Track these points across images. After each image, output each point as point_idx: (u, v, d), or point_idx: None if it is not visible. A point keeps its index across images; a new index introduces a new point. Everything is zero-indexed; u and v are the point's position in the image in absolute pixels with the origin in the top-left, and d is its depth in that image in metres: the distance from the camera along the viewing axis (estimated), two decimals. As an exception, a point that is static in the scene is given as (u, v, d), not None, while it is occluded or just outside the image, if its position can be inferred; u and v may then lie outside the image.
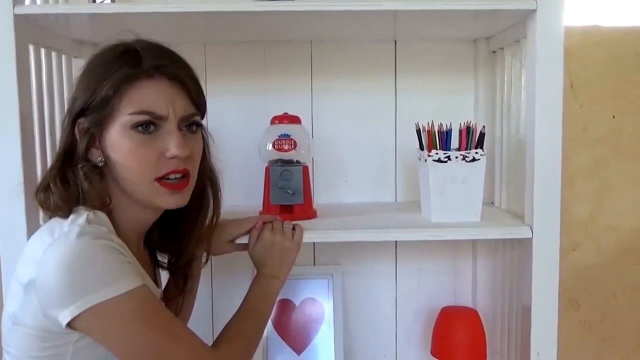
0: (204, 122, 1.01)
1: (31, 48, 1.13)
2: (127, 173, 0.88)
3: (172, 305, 1.07)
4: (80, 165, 0.87)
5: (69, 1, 1.34)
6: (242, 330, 1.00)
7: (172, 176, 0.89)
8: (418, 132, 1.21)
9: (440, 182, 1.16)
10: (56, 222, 0.84)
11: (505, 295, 1.31)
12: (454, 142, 1.19)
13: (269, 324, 1.40)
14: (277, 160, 1.23)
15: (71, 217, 0.84)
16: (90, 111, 0.87)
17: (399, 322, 1.50)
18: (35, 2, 1.22)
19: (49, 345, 0.81)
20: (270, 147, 1.22)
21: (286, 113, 1.26)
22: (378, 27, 1.32)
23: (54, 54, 1.25)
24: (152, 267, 1.05)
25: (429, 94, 1.46)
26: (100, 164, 0.89)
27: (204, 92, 0.98)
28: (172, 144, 0.88)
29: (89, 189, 0.86)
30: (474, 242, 1.46)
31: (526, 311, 1.14)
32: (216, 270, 1.48)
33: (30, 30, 1.11)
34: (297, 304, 1.41)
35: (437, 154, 1.16)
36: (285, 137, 1.21)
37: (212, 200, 1.04)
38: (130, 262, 0.83)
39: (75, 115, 0.89)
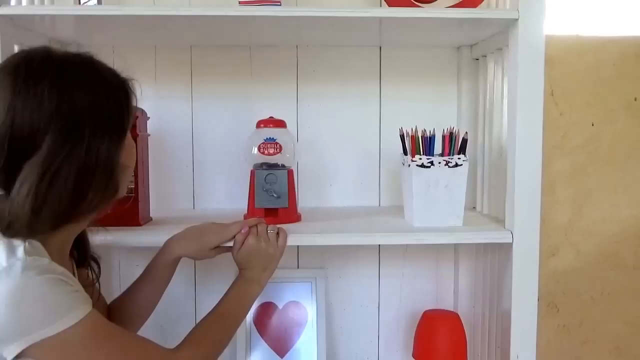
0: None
1: (16, 48, 1.13)
2: (130, 172, 0.97)
3: (93, 292, 1.00)
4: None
5: (54, 2, 1.33)
6: (211, 332, 1.00)
7: None
8: (402, 137, 1.23)
9: (423, 186, 1.18)
10: None
11: (486, 299, 1.33)
12: (437, 147, 1.21)
13: (252, 326, 1.40)
14: (262, 164, 1.23)
15: (5, 250, 0.78)
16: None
17: (381, 326, 1.51)
18: (21, 3, 1.21)
19: None
20: (255, 150, 1.23)
21: (272, 117, 1.27)
22: (363, 33, 1.34)
23: (38, 55, 1.24)
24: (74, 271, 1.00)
25: (413, 100, 1.47)
26: None
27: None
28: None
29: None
30: (456, 246, 1.47)
31: (506, 315, 1.16)
32: (199, 271, 1.48)
33: (14, 31, 1.10)
34: (280, 306, 1.42)
35: (420, 159, 1.18)
36: (271, 140, 1.22)
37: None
38: (76, 289, 0.81)
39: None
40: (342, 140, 1.47)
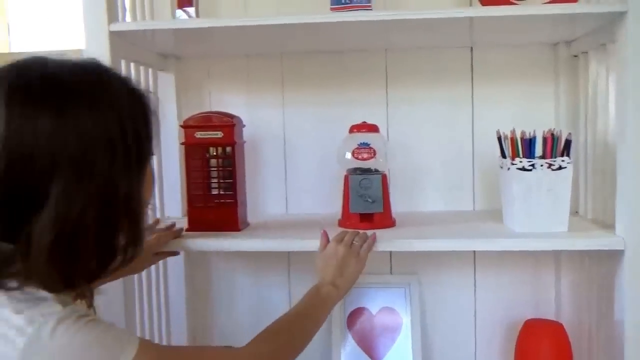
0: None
1: (122, 62, 1.19)
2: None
3: None
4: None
5: (154, 17, 1.39)
6: (279, 332, 0.95)
7: None
8: (499, 139, 1.19)
9: (525, 190, 1.13)
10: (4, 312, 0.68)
11: (593, 309, 1.26)
12: (538, 149, 1.16)
13: (346, 331, 1.40)
14: (355, 169, 1.23)
15: (28, 298, 0.68)
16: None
17: (478, 334, 1.46)
18: (125, 20, 1.27)
19: None
20: (349, 155, 1.23)
21: (365, 122, 1.26)
22: (454, 35, 1.31)
23: (141, 68, 1.31)
24: None
25: (507, 101, 1.42)
26: None
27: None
28: None
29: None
30: (556, 253, 1.41)
31: (618, 326, 1.09)
32: (293, 272, 1.50)
33: (122, 45, 1.16)
34: (374, 312, 1.41)
35: (520, 162, 1.13)
36: (365, 145, 1.21)
37: None
38: (109, 323, 0.73)
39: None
40: (434, 144, 1.44)
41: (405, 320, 1.39)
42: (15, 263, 0.68)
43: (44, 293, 0.69)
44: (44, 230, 0.66)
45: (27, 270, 0.68)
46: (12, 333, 0.65)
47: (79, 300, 0.82)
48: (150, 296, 1.35)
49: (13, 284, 0.68)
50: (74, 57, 0.75)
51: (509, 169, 1.15)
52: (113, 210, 0.72)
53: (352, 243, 1.08)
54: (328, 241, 1.10)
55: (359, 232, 1.11)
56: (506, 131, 1.18)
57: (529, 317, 1.38)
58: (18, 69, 0.71)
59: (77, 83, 0.71)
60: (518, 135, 1.16)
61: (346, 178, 1.23)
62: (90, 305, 0.90)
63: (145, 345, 0.73)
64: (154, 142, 0.80)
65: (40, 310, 0.67)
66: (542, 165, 1.13)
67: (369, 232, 1.11)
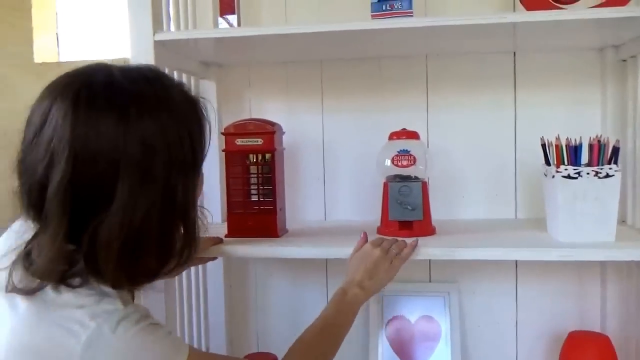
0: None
1: (166, 71, 1.21)
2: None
3: None
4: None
5: (197, 26, 1.42)
6: (313, 342, 0.96)
7: None
8: (543, 146, 1.16)
9: (570, 199, 1.11)
10: (68, 307, 0.70)
11: (641, 322, 1.22)
12: (583, 157, 1.13)
13: (384, 339, 1.39)
14: (395, 176, 1.22)
15: (94, 298, 0.71)
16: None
17: (520, 346, 1.43)
18: (169, 29, 1.30)
19: None
20: (388, 162, 1.22)
21: (404, 129, 1.26)
22: (496, 40, 1.29)
23: (184, 76, 1.33)
24: None
25: (551, 107, 1.39)
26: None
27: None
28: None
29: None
30: (602, 263, 1.36)
31: (669, 340, 1.06)
32: (330, 278, 1.49)
33: (166, 54, 1.19)
34: (412, 321, 1.39)
35: (566, 169, 1.11)
36: (404, 152, 1.21)
37: None
38: (167, 329, 0.77)
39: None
40: (474, 150, 1.42)
41: (444, 329, 1.37)
42: (78, 262, 0.71)
43: (106, 289, 0.73)
44: (112, 233, 0.70)
45: (93, 270, 0.71)
46: (76, 327, 0.68)
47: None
48: (190, 301, 1.37)
49: (76, 281, 0.71)
50: (133, 64, 0.79)
51: (553, 176, 1.12)
52: (172, 213, 0.75)
53: (389, 249, 1.08)
54: (365, 242, 1.10)
55: (397, 240, 1.10)
56: (550, 138, 1.16)
57: (573, 329, 1.34)
58: (84, 75, 0.74)
59: (139, 90, 0.74)
60: (563, 142, 1.13)
61: (385, 185, 1.22)
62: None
63: (195, 354, 0.77)
64: (207, 148, 0.83)
65: (103, 307, 0.70)
66: (588, 173, 1.10)
67: (410, 240, 1.10)
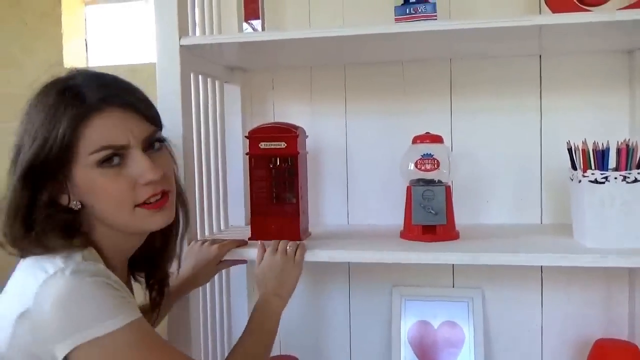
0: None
1: (192, 75, 1.23)
2: (107, 209, 0.85)
3: (148, 319, 1.01)
4: (46, 214, 0.83)
5: (221, 31, 1.43)
6: (244, 350, 1.01)
7: (152, 199, 0.87)
8: (570, 150, 1.15)
9: (597, 204, 1.09)
10: (45, 259, 0.81)
11: (671, 330, 1.19)
12: (611, 161, 1.11)
13: (407, 344, 1.38)
14: (418, 180, 1.22)
15: (63, 253, 0.81)
16: (46, 161, 0.81)
17: (545, 353, 1.41)
18: (195, 34, 1.31)
19: None
20: (411, 166, 1.21)
21: (428, 132, 1.25)
22: (522, 43, 1.27)
23: (209, 80, 1.35)
24: (131, 286, 1.02)
25: (578, 111, 1.37)
26: (76, 208, 0.85)
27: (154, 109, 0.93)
28: (143, 169, 0.84)
29: (62, 237, 0.83)
30: (631, 270, 1.34)
31: (701, 350, 1.03)
32: (353, 285, 1.49)
33: (192, 58, 1.20)
34: (435, 326, 1.38)
35: (593, 174, 1.09)
36: (428, 156, 1.20)
37: (181, 213, 1.01)
38: (126, 296, 0.82)
39: (26, 168, 0.82)
40: (499, 155, 1.41)
41: (468, 334, 1.36)
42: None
43: (78, 249, 0.84)
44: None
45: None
46: (39, 272, 0.80)
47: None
48: (214, 303, 1.38)
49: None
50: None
51: (580, 181, 1.11)
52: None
53: (286, 250, 1.11)
54: (264, 252, 1.12)
55: (288, 241, 1.13)
56: (577, 142, 1.14)
57: (600, 336, 1.32)
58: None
59: (37, 102, 0.87)
60: (590, 146, 1.11)
61: (409, 189, 1.22)
62: (156, 306, 1.03)
63: (139, 325, 0.81)
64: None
65: (67, 261, 0.81)
66: (616, 178, 1.08)
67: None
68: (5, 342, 0.79)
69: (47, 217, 0.83)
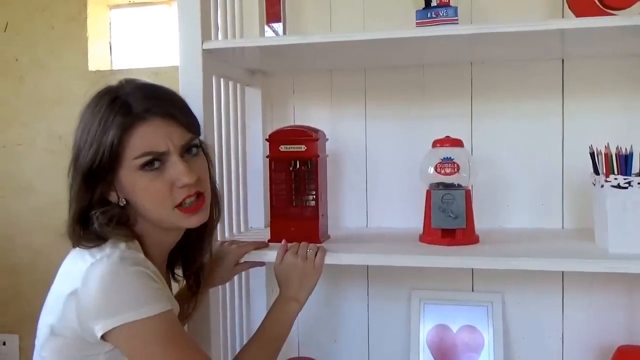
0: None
1: (213, 78, 1.25)
2: (148, 208, 0.95)
3: (184, 308, 1.11)
4: (102, 210, 0.93)
5: (243, 35, 1.45)
6: (256, 352, 1.06)
7: (187, 201, 0.95)
8: (592, 155, 1.14)
9: (620, 209, 1.08)
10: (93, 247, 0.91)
11: (696, 338, 1.17)
12: (634, 166, 1.10)
13: (426, 348, 1.38)
14: (438, 184, 1.22)
15: (110, 242, 0.91)
16: (100, 165, 0.91)
17: (566, 359, 1.39)
18: (217, 38, 1.33)
19: (82, 353, 0.90)
20: (431, 170, 1.21)
21: (448, 136, 1.25)
22: (544, 47, 1.27)
23: (230, 83, 1.36)
24: (169, 278, 1.12)
25: (601, 115, 1.36)
26: (122, 204, 0.95)
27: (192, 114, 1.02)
28: (179, 174, 0.93)
29: (114, 228, 0.93)
30: (654, 276, 1.32)
31: None
32: (372, 290, 1.50)
33: (214, 62, 1.22)
34: (454, 330, 1.38)
35: (616, 179, 1.08)
36: (448, 160, 1.20)
37: (215, 210, 1.08)
38: (161, 287, 0.91)
39: (86, 172, 0.92)
40: (520, 159, 1.40)
41: (487, 339, 1.36)
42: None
43: (122, 239, 0.93)
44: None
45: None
46: (88, 257, 0.89)
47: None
48: (233, 304, 1.39)
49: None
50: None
51: (602, 186, 1.10)
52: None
53: (307, 254, 1.12)
54: (285, 252, 1.14)
55: (308, 244, 1.14)
56: (599, 146, 1.13)
57: (622, 343, 1.31)
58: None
59: (90, 111, 0.95)
60: (613, 151, 1.10)
61: (428, 193, 1.22)
62: (193, 294, 1.12)
63: (170, 317, 0.90)
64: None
65: (113, 249, 0.90)
66: (639, 183, 1.07)
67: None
68: (57, 317, 0.89)
69: (102, 212, 0.93)
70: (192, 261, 1.10)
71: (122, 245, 0.91)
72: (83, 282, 0.87)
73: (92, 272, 0.87)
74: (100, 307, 0.85)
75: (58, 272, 0.94)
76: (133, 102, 0.92)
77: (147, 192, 0.93)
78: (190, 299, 1.12)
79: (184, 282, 1.13)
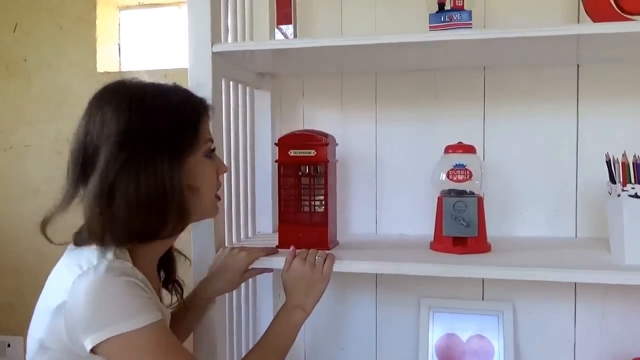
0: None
1: (223, 81, 1.23)
2: (207, 194, 0.99)
3: (180, 319, 1.11)
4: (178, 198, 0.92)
5: (253, 38, 1.43)
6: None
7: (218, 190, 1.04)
8: (608, 163, 1.11)
9: (636, 220, 1.05)
10: (81, 255, 0.88)
11: None
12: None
13: (435, 358, 1.36)
14: (450, 191, 1.20)
15: (97, 251, 0.88)
16: (180, 141, 0.92)
17: (578, 370, 1.37)
18: (227, 40, 1.32)
19: None
20: (443, 176, 1.19)
21: (460, 142, 1.23)
22: (559, 52, 1.24)
23: (239, 86, 1.35)
24: (160, 288, 1.08)
25: (618, 122, 1.33)
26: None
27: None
28: (221, 164, 1.04)
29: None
30: (669, 288, 1.29)
31: None
32: (380, 295, 1.47)
33: (223, 65, 1.20)
34: (464, 339, 1.36)
35: (633, 188, 1.05)
36: (460, 167, 1.18)
37: None
38: (151, 297, 0.88)
39: (158, 147, 0.90)
40: (533, 166, 1.38)
41: (497, 349, 1.33)
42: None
43: (110, 248, 0.89)
44: (91, 184, 0.91)
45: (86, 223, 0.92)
46: (75, 268, 0.86)
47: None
48: (240, 310, 1.37)
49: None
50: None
51: (619, 195, 1.07)
52: (147, 184, 0.91)
53: (315, 261, 1.10)
54: (294, 258, 1.11)
55: (317, 251, 1.12)
56: (616, 154, 1.11)
57: (637, 355, 1.28)
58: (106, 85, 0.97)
59: (138, 90, 0.96)
60: (630, 160, 1.08)
61: (440, 200, 1.20)
62: (179, 301, 1.10)
63: (160, 326, 0.87)
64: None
65: (100, 259, 0.87)
66: (657, 193, 1.04)
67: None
68: (45, 331, 0.87)
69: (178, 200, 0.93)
70: (172, 272, 1.09)
71: (110, 255, 0.88)
72: (70, 295, 0.84)
73: (79, 285, 0.84)
74: (90, 319, 0.83)
75: (45, 285, 0.91)
76: (195, 97, 0.99)
77: (209, 177, 0.99)
78: (179, 310, 1.10)
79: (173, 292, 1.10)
